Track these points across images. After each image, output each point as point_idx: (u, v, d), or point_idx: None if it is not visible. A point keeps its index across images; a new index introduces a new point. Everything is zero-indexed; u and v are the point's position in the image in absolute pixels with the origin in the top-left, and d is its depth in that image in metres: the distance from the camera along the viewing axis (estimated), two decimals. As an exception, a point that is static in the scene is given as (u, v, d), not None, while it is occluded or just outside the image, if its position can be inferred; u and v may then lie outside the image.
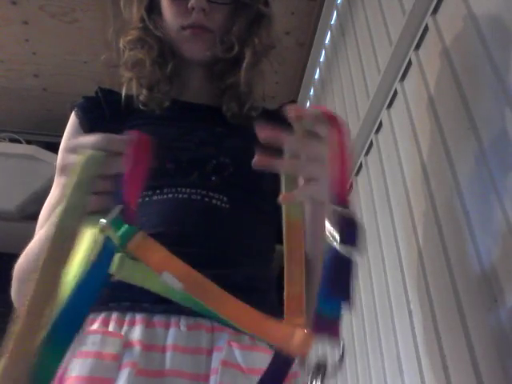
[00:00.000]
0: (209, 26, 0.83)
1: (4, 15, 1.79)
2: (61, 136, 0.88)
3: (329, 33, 1.78)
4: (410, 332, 0.97)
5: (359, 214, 1.34)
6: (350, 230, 0.48)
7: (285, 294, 0.54)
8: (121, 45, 0.88)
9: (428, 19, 0.99)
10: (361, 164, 1.35)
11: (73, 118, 0.86)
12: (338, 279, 0.46)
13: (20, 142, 2.08)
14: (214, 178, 0.76)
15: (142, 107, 0.84)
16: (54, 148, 2.06)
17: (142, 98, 0.85)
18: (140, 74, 0.86)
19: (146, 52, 0.86)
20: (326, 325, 0.47)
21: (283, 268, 0.56)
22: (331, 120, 0.54)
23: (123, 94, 0.86)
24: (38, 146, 2.04)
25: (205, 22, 0.83)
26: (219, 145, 0.80)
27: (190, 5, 0.82)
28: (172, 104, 0.86)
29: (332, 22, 1.75)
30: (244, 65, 0.84)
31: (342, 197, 0.50)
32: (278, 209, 0.78)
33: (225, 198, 0.75)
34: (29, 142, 2.10)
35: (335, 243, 0.47)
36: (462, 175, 0.85)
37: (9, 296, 0.73)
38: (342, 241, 0.47)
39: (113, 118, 0.84)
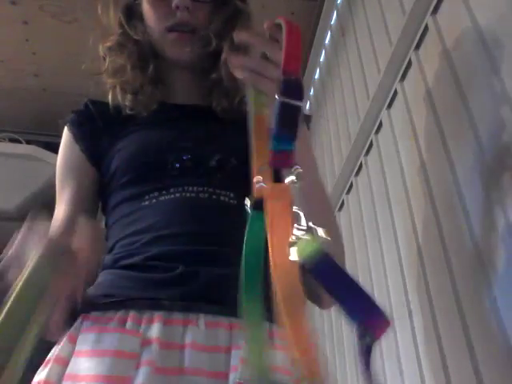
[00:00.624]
0: (193, 23, 0.84)
1: (4, 15, 1.79)
2: (60, 136, 0.88)
3: (329, 33, 1.78)
4: (410, 332, 0.97)
5: (359, 214, 1.34)
6: (293, 86, 0.55)
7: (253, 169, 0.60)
8: (100, 52, 0.88)
9: (428, 19, 0.99)
10: (361, 164, 1.35)
11: (66, 134, 0.86)
12: (285, 121, 0.54)
13: (20, 142, 2.08)
14: (218, 175, 0.76)
15: (129, 112, 0.84)
16: (54, 148, 2.05)
17: (127, 103, 0.85)
18: (123, 80, 0.86)
19: (126, 57, 0.86)
20: (283, 157, 0.54)
21: None
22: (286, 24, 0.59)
23: (110, 103, 0.86)
24: (37, 146, 2.03)
25: (189, 20, 0.83)
26: (217, 142, 0.80)
27: (173, 4, 0.82)
28: (162, 107, 0.86)
29: (332, 22, 1.75)
30: (222, 58, 0.85)
31: (291, 69, 0.56)
32: None
33: (231, 194, 0.75)
34: (29, 142, 2.09)
35: (280, 96, 0.54)
36: (461, 175, 0.85)
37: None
38: (285, 94, 0.54)
39: (107, 128, 0.84)
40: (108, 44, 0.88)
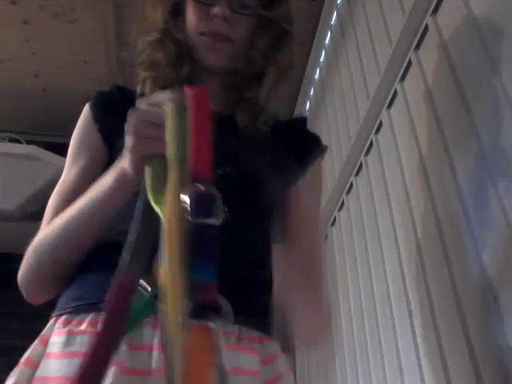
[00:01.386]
0: (230, 35, 0.83)
1: (4, 15, 1.79)
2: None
3: (329, 33, 1.78)
4: (410, 332, 0.97)
5: (359, 214, 1.34)
6: (200, 202, 0.50)
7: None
8: (140, 45, 0.89)
9: (428, 19, 0.99)
10: (361, 164, 1.35)
11: (86, 110, 0.88)
12: (200, 247, 0.48)
13: (20, 142, 2.08)
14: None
15: None
16: (53, 148, 2.06)
17: None
18: (156, 75, 0.87)
19: (164, 53, 0.87)
20: (203, 290, 0.48)
21: None
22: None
23: (138, 92, 0.87)
24: (37, 146, 2.04)
25: (226, 30, 0.83)
26: (226, 154, 0.80)
27: (213, 12, 0.82)
28: None
29: (332, 22, 1.75)
30: (267, 82, 0.85)
31: (199, 172, 0.52)
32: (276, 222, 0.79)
33: (225, 209, 0.75)
34: (29, 142, 2.10)
35: (191, 217, 0.48)
36: (461, 175, 0.85)
37: (8, 296, 0.73)
38: (194, 214, 0.49)
39: (125, 113, 0.85)
40: (149, 38, 0.89)
